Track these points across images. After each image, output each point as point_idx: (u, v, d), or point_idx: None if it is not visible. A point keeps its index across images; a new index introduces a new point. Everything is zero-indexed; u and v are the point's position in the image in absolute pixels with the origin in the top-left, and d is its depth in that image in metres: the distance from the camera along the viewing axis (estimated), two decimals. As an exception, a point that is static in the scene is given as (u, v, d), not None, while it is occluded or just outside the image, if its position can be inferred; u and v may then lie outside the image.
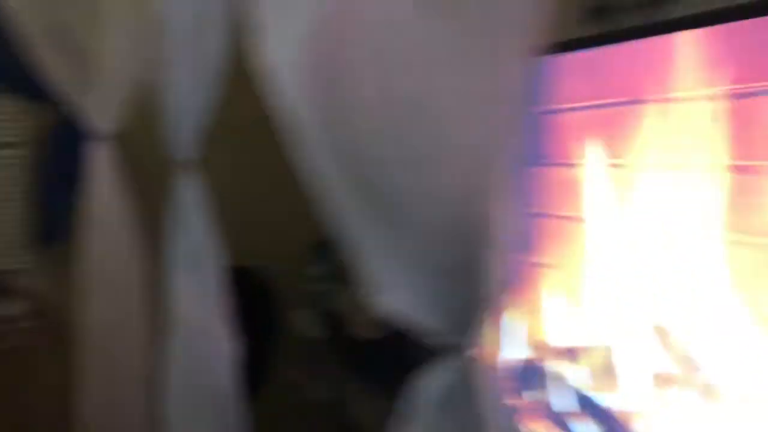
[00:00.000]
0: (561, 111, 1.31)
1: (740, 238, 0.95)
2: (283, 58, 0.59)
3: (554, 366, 1.30)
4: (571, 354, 1.28)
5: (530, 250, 1.44)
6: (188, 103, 1.18)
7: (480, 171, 0.53)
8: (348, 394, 1.88)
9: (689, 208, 1.02)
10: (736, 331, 0.95)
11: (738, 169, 0.94)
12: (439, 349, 0.59)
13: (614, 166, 1.18)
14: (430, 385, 0.59)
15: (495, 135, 0.53)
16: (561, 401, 1.26)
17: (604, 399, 1.17)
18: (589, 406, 1.19)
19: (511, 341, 1.46)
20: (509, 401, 1.40)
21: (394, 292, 0.58)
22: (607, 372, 1.18)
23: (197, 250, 1.35)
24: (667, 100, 1.05)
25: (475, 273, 0.54)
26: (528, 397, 1.36)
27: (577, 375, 1.24)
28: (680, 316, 1.05)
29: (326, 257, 1.93)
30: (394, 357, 1.59)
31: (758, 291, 0.93)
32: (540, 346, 1.39)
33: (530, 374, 1.37)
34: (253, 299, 1.94)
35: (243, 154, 1.98)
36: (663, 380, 1.07)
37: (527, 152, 1.47)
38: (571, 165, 1.28)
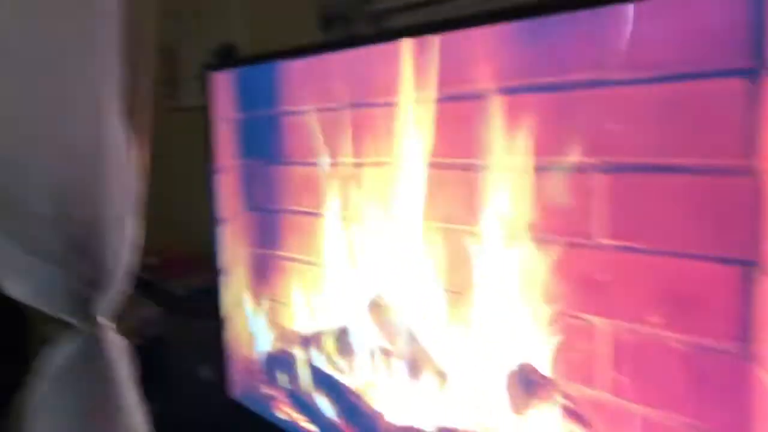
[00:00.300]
0: (297, 113, 1.40)
1: (440, 226, 1.12)
2: None
3: (299, 352, 1.39)
4: (313, 340, 1.37)
5: (274, 245, 1.52)
6: None
7: (81, 167, 0.57)
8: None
9: (402, 200, 1.16)
10: (438, 307, 1.12)
11: (440, 166, 1.11)
12: (63, 327, 0.63)
13: (346, 164, 1.29)
14: (53, 360, 0.63)
15: (93, 133, 0.58)
16: (305, 384, 1.35)
17: (343, 378, 1.28)
18: (329, 387, 1.29)
19: (258, 332, 1.53)
20: (263, 390, 1.47)
21: (17, 278, 0.61)
22: (343, 352, 1.30)
23: None
24: (389, 104, 1.18)
25: (92, 258, 0.59)
26: (276, 384, 1.44)
27: (319, 358, 1.34)
28: (395, 295, 1.20)
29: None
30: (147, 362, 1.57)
31: (454, 271, 1.10)
32: (285, 335, 1.47)
33: (277, 362, 1.45)
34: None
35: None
36: (383, 354, 1.20)
37: (269, 151, 1.53)
38: (309, 164, 1.37)
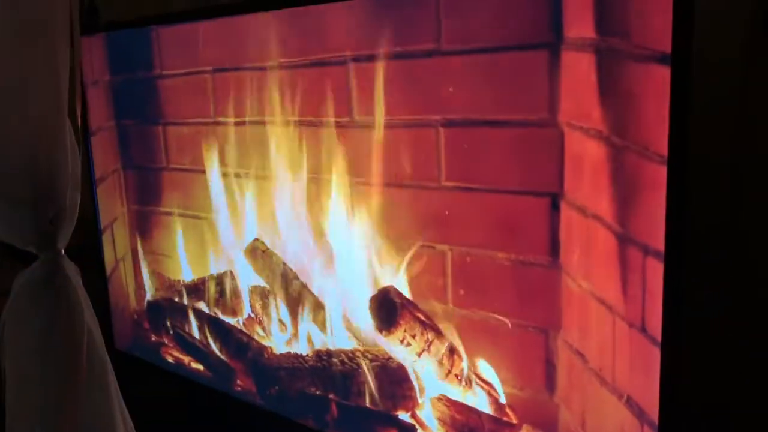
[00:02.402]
0: (172, 76, 1.48)
1: (295, 175, 1.28)
2: None
3: (183, 299, 1.50)
4: (196, 286, 1.48)
5: (154, 201, 1.60)
6: None
7: (45, 130, 0.70)
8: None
9: (271, 154, 1.30)
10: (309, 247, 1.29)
11: (301, 123, 1.26)
12: (28, 258, 0.76)
13: (216, 123, 1.40)
14: (23, 283, 0.76)
15: (53, 105, 0.71)
16: (191, 328, 1.46)
17: (226, 318, 1.42)
18: (214, 328, 1.42)
19: (141, 284, 1.61)
20: (150, 338, 1.57)
21: None
22: (226, 294, 1.43)
23: None
24: (258, 68, 1.30)
25: (53, 201, 0.73)
26: (162, 331, 1.54)
27: (203, 303, 1.46)
28: (270, 239, 1.35)
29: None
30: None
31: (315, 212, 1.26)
32: (169, 284, 1.57)
33: (162, 311, 1.55)
34: None
35: None
36: (261, 293, 1.35)
37: (144, 112, 1.59)
38: (186, 123, 1.46)
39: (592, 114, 0.88)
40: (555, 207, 0.97)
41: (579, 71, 0.90)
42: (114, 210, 1.62)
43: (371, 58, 1.12)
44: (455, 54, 1.03)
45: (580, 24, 0.89)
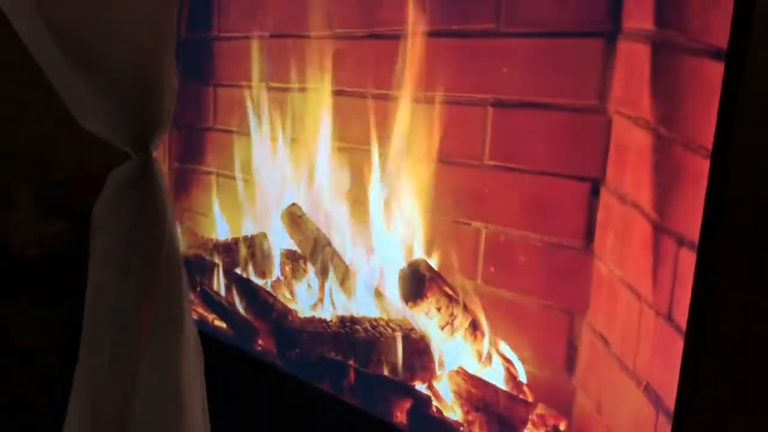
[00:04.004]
0: (228, 39, 1.52)
1: (343, 145, 1.31)
2: None
3: (215, 257, 1.53)
4: (230, 247, 1.52)
5: (195, 160, 1.64)
6: None
7: (145, 39, 0.76)
8: (12, 317, 1.87)
9: (313, 121, 1.34)
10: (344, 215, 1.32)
11: (340, 93, 1.29)
12: (125, 155, 0.81)
13: (271, 89, 1.44)
14: (115, 178, 0.81)
15: (152, 15, 0.76)
16: (220, 288, 1.49)
17: (257, 280, 1.45)
18: (241, 287, 1.45)
19: (182, 241, 1.65)
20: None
21: (94, 118, 0.81)
22: (257, 255, 1.46)
23: None
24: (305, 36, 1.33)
25: (149, 107, 0.78)
26: (191, 287, 1.57)
27: (233, 263, 1.49)
28: (312, 204, 1.38)
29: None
30: (58, 274, 1.65)
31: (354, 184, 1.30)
32: (200, 242, 1.61)
33: (191, 266, 1.58)
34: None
35: None
36: (293, 257, 1.39)
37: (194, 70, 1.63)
38: (237, 86, 1.50)
39: (642, 104, 0.90)
40: (595, 192, 0.99)
41: (633, 61, 0.93)
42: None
43: (428, 34, 1.15)
44: (513, 36, 1.06)
45: (638, 15, 0.92)
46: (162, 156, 1.66)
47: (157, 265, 0.81)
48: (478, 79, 1.11)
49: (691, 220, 0.81)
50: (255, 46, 1.44)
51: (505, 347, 1.12)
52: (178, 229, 0.88)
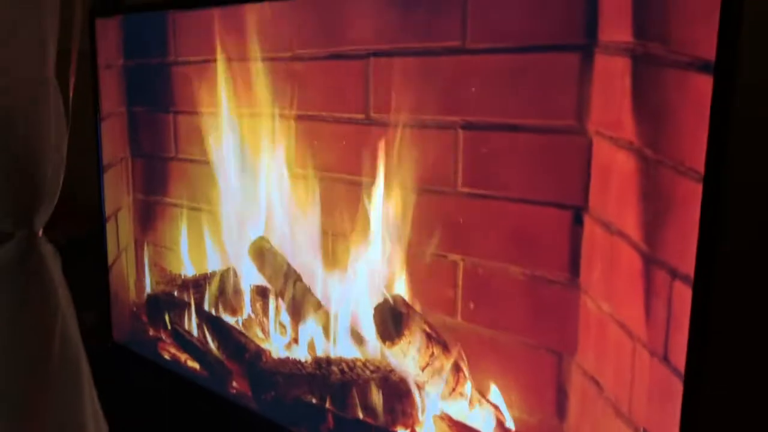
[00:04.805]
0: (183, 63, 1.44)
1: (305, 173, 1.23)
2: None
3: (183, 294, 1.45)
4: (197, 282, 1.44)
5: (160, 191, 1.56)
6: None
7: (24, 101, 0.67)
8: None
9: (280, 149, 1.25)
10: (315, 248, 1.23)
11: (300, 118, 1.21)
12: (5, 234, 0.72)
13: (233, 114, 1.36)
14: None
15: (35, 76, 0.67)
16: (189, 325, 1.41)
17: (225, 317, 1.37)
18: (213, 326, 1.37)
19: (142, 277, 1.57)
20: (147, 332, 1.52)
21: None
22: (226, 293, 1.38)
23: None
24: (269, 59, 1.25)
25: (31, 178, 0.69)
26: (160, 326, 1.49)
27: (203, 299, 1.41)
28: (276, 238, 1.30)
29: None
30: None
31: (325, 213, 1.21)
32: (170, 278, 1.52)
33: (161, 305, 1.50)
34: None
35: None
36: (263, 293, 1.30)
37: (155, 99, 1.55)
38: (197, 113, 1.42)
39: (624, 123, 0.82)
40: (578, 221, 0.91)
41: (612, 77, 0.84)
42: (119, 199, 1.57)
43: (391, 54, 1.07)
44: (480, 53, 0.97)
45: (616, 26, 0.83)
46: (125, 188, 1.58)
47: (47, 361, 0.73)
48: (446, 100, 1.02)
49: (684, 250, 0.73)
50: (214, 70, 1.36)
51: (490, 390, 1.03)
52: (74, 318, 0.78)
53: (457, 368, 1.05)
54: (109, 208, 1.55)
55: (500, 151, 0.98)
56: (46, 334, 0.72)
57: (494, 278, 1.01)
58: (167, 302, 1.49)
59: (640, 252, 0.80)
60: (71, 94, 0.76)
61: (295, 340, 1.25)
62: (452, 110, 1.01)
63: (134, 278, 1.58)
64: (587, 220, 0.90)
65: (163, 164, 1.52)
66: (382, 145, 1.10)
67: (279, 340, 1.29)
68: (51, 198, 0.74)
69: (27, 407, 0.72)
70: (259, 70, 1.26)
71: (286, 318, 1.27)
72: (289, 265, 1.27)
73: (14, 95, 0.67)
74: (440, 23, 1.01)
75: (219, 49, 1.33)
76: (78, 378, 0.76)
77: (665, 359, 0.77)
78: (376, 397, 1.10)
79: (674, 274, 0.75)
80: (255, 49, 1.27)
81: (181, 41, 1.43)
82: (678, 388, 0.74)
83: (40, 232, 0.74)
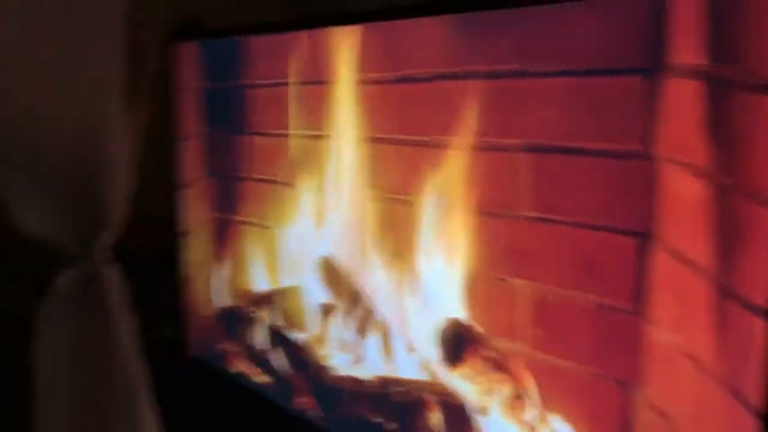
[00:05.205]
0: (262, 86, 1.48)
1: (372, 193, 1.24)
2: None
3: (255, 311, 1.48)
4: (268, 298, 1.47)
5: (234, 209, 1.61)
6: None
7: (90, 124, 0.69)
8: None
9: (348, 170, 1.27)
10: (381, 267, 1.24)
11: (377, 140, 1.22)
12: (68, 258, 0.74)
13: (302, 135, 1.39)
14: (58, 288, 0.73)
15: (100, 95, 0.69)
16: (260, 340, 1.44)
17: (294, 333, 1.39)
18: (282, 342, 1.39)
19: (217, 291, 1.62)
20: (220, 346, 1.57)
21: (32, 216, 0.72)
22: (296, 310, 1.40)
23: None
24: (339, 82, 1.27)
25: (95, 202, 0.71)
26: (233, 340, 1.53)
27: (273, 316, 1.44)
28: (343, 256, 1.31)
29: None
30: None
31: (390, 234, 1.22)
32: (243, 294, 1.56)
33: (234, 320, 1.54)
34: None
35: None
36: (329, 311, 1.32)
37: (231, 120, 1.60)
38: (271, 134, 1.46)
39: (695, 148, 0.79)
40: (644, 248, 0.88)
41: (682, 100, 0.81)
42: (197, 216, 1.63)
43: (454, 77, 1.07)
44: (543, 76, 0.96)
45: (686, 49, 0.81)
46: (202, 207, 1.63)
47: (105, 386, 0.74)
48: (510, 122, 1.01)
49: (758, 280, 0.69)
50: (287, 93, 1.39)
51: (553, 419, 1.01)
52: (134, 345, 0.80)
53: (519, 395, 1.03)
54: (186, 225, 1.61)
55: (565, 175, 0.96)
56: (104, 362, 0.74)
57: (558, 304, 0.99)
58: (239, 317, 1.53)
59: (713, 282, 0.77)
60: (147, 118, 0.78)
61: (359, 359, 1.26)
62: (515, 133, 1.01)
63: (209, 293, 1.63)
64: (655, 248, 0.87)
65: (237, 184, 1.57)
66: (447, 168, 1.10)
67: (343, 358, 1.30)
68: (114, 225, 0.75)
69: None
70: (329, 93, 1.29)
71: (350, 336, 1.28)
72: (355, 284, 1.28)
73: (80, 126, 0.69)
74: (503, 45, 1.01)
75: (291, 73, 1.37)
76: (136, 406, 0.77)
77: (739, 396, 0.73)
78: (437, 420, 1.09)
79: (749, 306, 0.71)
80: (325, 72, 1.30)
81: (255, 64, 1.48)
82: (751, 423, 0.70)
83: (102, 261, 0.75)
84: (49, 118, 0.68)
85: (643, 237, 0.88)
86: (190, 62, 1.57)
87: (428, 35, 1.12)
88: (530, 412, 1.02)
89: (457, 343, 1.08)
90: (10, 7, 0.66)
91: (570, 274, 0.97)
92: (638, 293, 0.89)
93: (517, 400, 1.03)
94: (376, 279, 1.25)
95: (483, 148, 1.05)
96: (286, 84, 1.41)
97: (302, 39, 1.37)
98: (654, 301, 0.87)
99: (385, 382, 1.20)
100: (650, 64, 0.85)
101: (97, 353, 0.73)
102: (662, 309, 0.86)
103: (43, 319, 0.74)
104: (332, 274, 1.31)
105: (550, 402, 1.01)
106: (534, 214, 1.01)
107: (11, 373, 0.80)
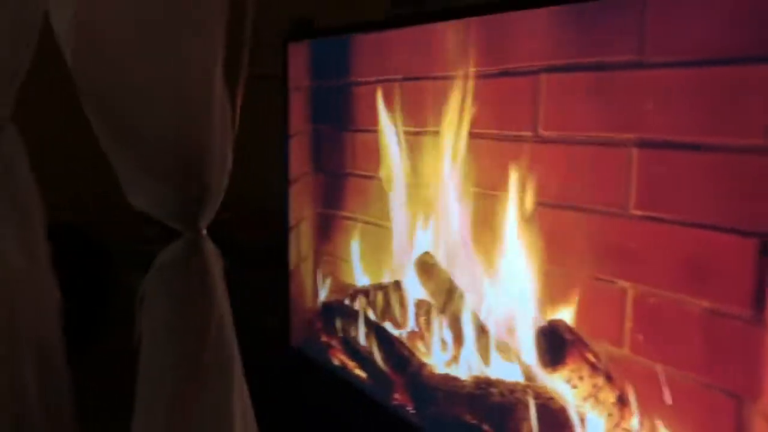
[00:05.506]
0: (366, 83, 1.50)
1: (477, 191, 1.22)
2: (61, 34, 0.75)
3: (356, 305, 1.50)
4: (367, 292, 1.48)
5: (337, 205, 1.63)
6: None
7: (190, 106, 0.72)
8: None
9: (448, 166, 1.26)
10: (479, 266, 1.22)
11: (474, 136, 1.21)
12: (174, 232, 0.77)
13: (404, 132, 1.39)
14: (162, 259, 0.78)
15: (204, 83, 0.72)
16: (358, 334, 1.46)
17: (391, 329, 1.39)
18: (379, 337, 1.40)
19: (319, 285, 1.65)
20: (321, 338, 1.60)
21: (138, 192, 0.78)
22: (393, 305, 1.40)
23: (18, 205, 1.38)
24: (443, 78, 1.27)
25: (198, 179, 0.75)
26: (333, 333, 1.56)
27: (373, 311, 1.45)
28: (446, 253, 1.30)
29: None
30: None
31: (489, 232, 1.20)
32: (345, 288, 1.59)
33: (334, 313, 1.57)
34: (83, 257, 1.98)
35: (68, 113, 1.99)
36: (426, 308, 1.31)
37: (337, 118, 1.63)
38: (372, 131, 1.48)
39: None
40: (764, 250, 0.81)
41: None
42: (302, 211, 1.67)
43: (563, 69, 1.03)
44: (659, 67, 0.91)
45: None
46: (307, 202, 1.68)
47: (201, 355, 0.77)
48: (621, 116, 0.97)
49: None
50: (390, 90, 1.40)
51: (657, 430, 0.95)
52: (230, 318, 0.82)
53: (622, 402, 0.98)
54: (292, 220, 1.66)
55: (677, 172, 0.91)
56: (202, 332, 0.77)
57: (666, 309, 0.93)
58: (339, 311, 1.55)
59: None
60: (238, 109, 0.80)
61: (456, 358, 1.25)
62: (628, 127, 0.96)
63: (311, 286, 1.67)
64: (777, 251, 0.80)
65: (341, 180, 1.59)
66: (553, 164, 1.07)
67: (440, 356, 1.29)
68: (215, 200, 0.79)
69: (177, 402, 0.77)
70: (430, 88, 1.28)
71: (447, 334, 1.27)
72: (452, 282, 1.27)
73: (182, 103, 0.73)
74: (617, 37, 0.96)
75: (393, 70, 1.38)
76: (229, 378, 0.80)
77: None
78: (535, 424, 1.06)
79: None
80: (427, 68, 1.30)
81: (361, 62, 1.50)
82: None
83: (204, 233, 0.79)
84: (152, 96, 0.72)
85: (763, 238, 0.81)
86: (299, 61, 1.61)
87: (536, 27, 1.09)
88: (631, 420, 0.97)
89: (557, 346, 1.04)
90: None
91: (680, 277, 0.91)
92: (757, 299, 0.82)
93: (618, 406, 0.98)
94: (474, 277, 1.23)
95: (591, 142, 1.01)
96: (387, 81, 1.42)
97: (407, 36, 1.37)
98: (774, 309, 0.81)
99: (482, 383, 1.17)
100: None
101: (196, 323, 0.77)
102: (783, 317, 0.79)
103: (147, 292, 0.78)
104: (430, 271, 1.30)
105: (652, 411, 0.95)
106: (643, 212, 0.95)
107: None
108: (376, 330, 1.41)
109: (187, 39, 0.72)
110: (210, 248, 0.79)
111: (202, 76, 0.72)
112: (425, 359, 1.31)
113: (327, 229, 1.66)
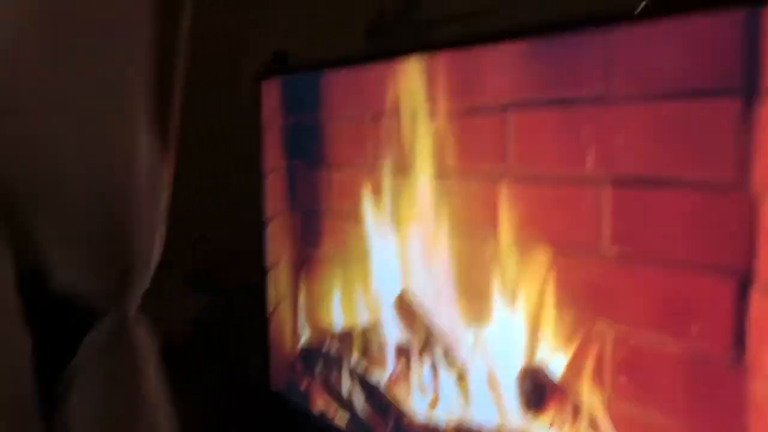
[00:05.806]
0: (336, 120, 1.48)
1: (447, 229, 1.19)
2: None
3: (334, 348, 1.46)
4: (345, 335, 1.44)
5: (313, 244, 1.60)
6: None
7: (118, 169, 0.65)
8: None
9: (426, 205, 1.23)
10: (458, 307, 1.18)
11: (459, 174, 1.17)
12: (96, 312, 0.70)
13: (379, 170, 1.36)
14: (86, 344, 0.70)
15: (126, 143, 0.65)
16: (340, 380, 1.41)
17: (370, 373, 1.35)
18: (359, 381, 1.36)
19: (298, 327, 1.61)
20: (301, 383, 1.55)
21: (55, 268, 0.69)
22: (375, 348, 1.36)
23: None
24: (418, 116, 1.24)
25: (123, 255, 0.67)
26: (312, 377, 1.51)
27: (352, 355, 1.41)
28: (419, 294, 1.26)
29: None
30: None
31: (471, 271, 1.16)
32: (322, 331, 1.54)
33: (314, 357, 1.52)
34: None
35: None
36: (405, 352, 1.27)
37: (311, 154, 1.60)
38: (349, 169, 1.45)
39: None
40: (743, 290, 0.78)
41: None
42: (278, 251, 1.64)
43: (528, 104, 1.01)
44: (626, 101, 0.89)
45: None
46: (284, 241, 1.64)
47: None
48: (589, 152, 0.94)
49: None
50: (360, 127, 1.38)
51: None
52: (166, 405, 0.75)
53: (604, 448, 0.94)
54: (270, 260, 1.62)
55: (650, 209, 0.88)
56: (130, 421, 0.70)
57: (645, 351, 0.90)
58: (318, 354, 1.51)
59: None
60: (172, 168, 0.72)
61: (435, 402, 1.20)
62: (596, 164, 0.93)
63: (291, 328, 1.63)
64: (756, 290, 0.77)
65: (317, 218, 1.56)
66: (523, 202, 1.04)
67: (420, 401, 1.24)
68: (144, 276, 0.71)
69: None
70: (403, 126, 1.26)
71: (428, 377, 1.23)
72: (430, 323, 1.23)
73: (102, 161, 0.65)
74: (582, 71, 0.94)
75: (366, 106, 1.36)
76: None
77: None
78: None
79: None
80: (398, 105, 1.27)
81: (332, 99, 1.48)
82: None
83: (132, 314, 0.72)
84: (71, 149, 0.64)
85: (741, 277, 0.78)
86: (272, 98, 1.59)
87: (501, 62, 1.07)
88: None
89: (538, 389, 1.01)
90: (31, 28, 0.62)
91: (658, 318, 0.88)
92: (737, 342, 0.79)
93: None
94: (452, 318, 1.19)
95: (559, 179, 0.99)
96: (359, 118, 1.40)
97: (381, 72, 1.35)
98: (757, 352, 0.77)
99: (462, 429, 1.13)
100: (746, 85, 0.76)
101: (125, 413, 0.70)
102: (766, 361, 0.76)
103: (70, 376, 0.71)
104: (408, 312, 1.26)
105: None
106: (617, 252, 0.92)
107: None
108: (354, 375, 1.37)
109: (110, 84, 0.65)
110: (139, 329, 0.71)
111: (128, 125, 0.65)
112: (405, 404, 1.27)
113: (304, 270, 1.62)
